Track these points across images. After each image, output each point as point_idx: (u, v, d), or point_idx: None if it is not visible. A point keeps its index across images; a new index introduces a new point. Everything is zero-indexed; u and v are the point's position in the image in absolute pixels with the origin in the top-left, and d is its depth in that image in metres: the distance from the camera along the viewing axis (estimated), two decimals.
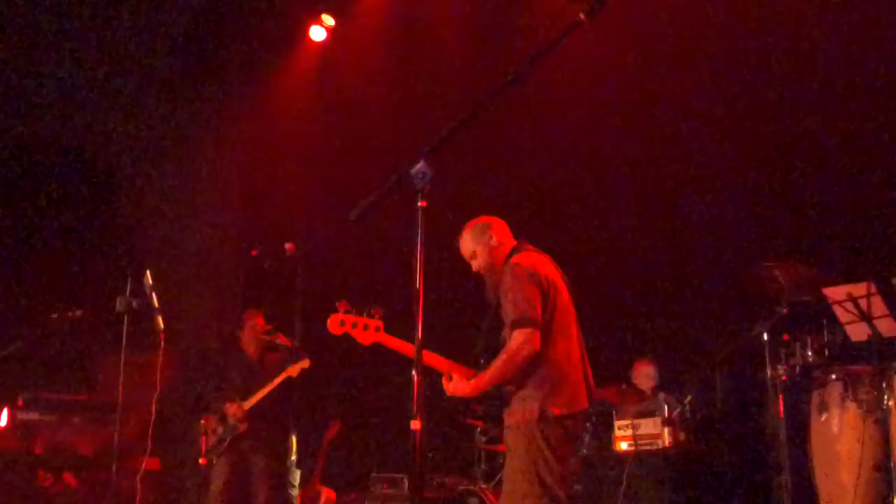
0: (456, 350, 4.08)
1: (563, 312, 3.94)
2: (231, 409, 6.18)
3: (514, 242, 4.14)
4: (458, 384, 3.93)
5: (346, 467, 7.62)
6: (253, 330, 6.43)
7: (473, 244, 4.13)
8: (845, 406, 4.91)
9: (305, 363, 6.22)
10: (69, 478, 6.56)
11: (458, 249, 4.20)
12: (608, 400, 6.37)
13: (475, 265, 4.14)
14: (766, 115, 6.77)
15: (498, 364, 3.83)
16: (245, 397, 6.23)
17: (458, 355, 4.07)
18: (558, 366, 3.86)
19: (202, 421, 6.09)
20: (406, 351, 3.87)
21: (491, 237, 4.11)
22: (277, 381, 6.20)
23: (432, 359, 3.95)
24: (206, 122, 9.09)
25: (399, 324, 3.86)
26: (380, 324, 3.97)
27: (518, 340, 3.77)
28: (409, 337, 3.63)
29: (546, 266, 4.00)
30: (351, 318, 3.94)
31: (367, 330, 3.95)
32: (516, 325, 3.79)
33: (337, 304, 3.94)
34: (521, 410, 3.84)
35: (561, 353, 3.88)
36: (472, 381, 3.90)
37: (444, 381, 3.96)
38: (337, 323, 3.93)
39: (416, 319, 2.75)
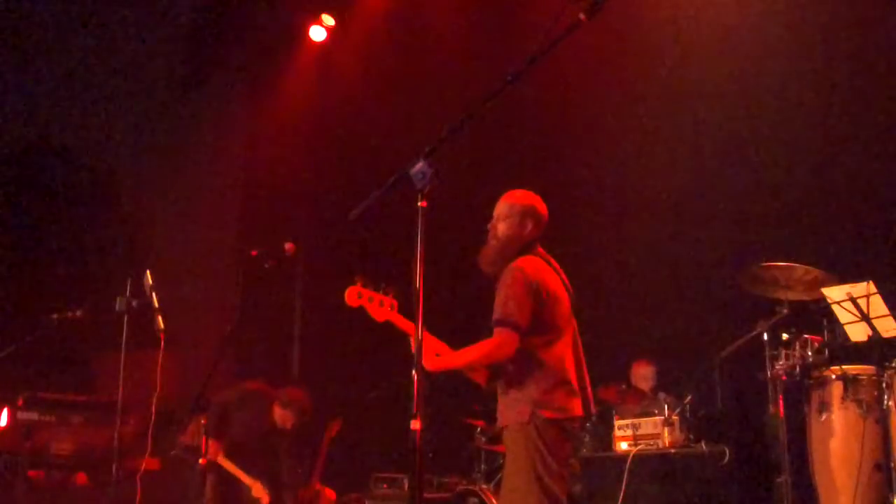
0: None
1: (561, 321, 3.93)
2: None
3: (536, 241, 4.06)
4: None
5: (346, 467, 7.61)
6: (302, 415, 6.25)
7: (507, 214, 4.05)
8: (845, 406, 4.91)
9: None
10: (82, 477, 6.56)
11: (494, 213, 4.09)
12: (608, 400, 6.36)
13: (492, 229, 4.07)
14: (765, 115, 6.78)
15: (469, 351, 3.83)
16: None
17: None
18: (553, 370, 3.84)
19: (202, 421, 6.08)
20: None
21: (525, 225, 4.04)
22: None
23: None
24: (207, 122, 9.10)
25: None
26: (395, 302, 3.94)
27: (495, 340, 3.77)
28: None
29: (549, 275, 3.96)
30: (368, 293, 3.90)
31: (382, 306, 3.92)
32: (498, 324, 3.79)
33: (355, 277, 3.92)
34: (515, 412, 3.83)
35: (557, 358, 3.86)
36: (438, 358, 3.86)
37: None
38: (355, 295, 3.88)
39: (415, 319, 2.76)
